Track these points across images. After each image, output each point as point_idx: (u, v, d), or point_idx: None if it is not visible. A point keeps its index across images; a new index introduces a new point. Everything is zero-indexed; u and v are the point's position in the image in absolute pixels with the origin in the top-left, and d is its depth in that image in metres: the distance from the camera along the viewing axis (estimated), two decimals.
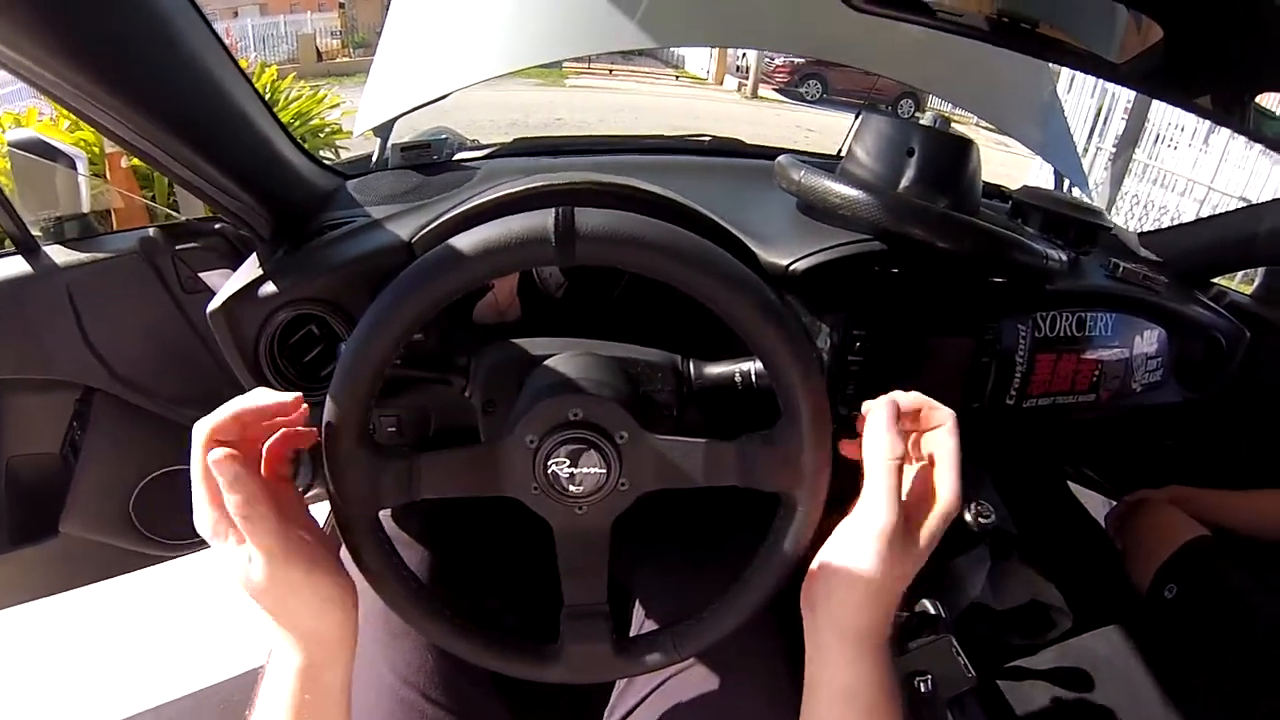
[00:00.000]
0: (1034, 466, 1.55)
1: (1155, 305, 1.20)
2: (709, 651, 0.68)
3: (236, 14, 14.29)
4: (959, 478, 0.58)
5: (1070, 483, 1.64)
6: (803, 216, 0.95)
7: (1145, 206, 7.06)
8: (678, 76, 13.33)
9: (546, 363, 0.66)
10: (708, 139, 1.29)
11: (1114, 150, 6.12)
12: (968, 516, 0.81)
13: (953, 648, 0.89)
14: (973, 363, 0.98)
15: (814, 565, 0.59)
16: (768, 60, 11.43)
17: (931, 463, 0.61)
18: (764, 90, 12.22)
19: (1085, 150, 6.60)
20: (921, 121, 0.93)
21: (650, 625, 0.84)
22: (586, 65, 11.35)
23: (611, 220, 0.53)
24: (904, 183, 0.90)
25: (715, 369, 0.68)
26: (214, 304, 0.79)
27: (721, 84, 13.06)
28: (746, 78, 12.33)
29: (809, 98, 11.65)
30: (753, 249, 0.87)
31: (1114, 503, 1.49)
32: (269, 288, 0.79)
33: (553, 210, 0.53)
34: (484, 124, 7.15)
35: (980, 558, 1.17)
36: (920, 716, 0.82)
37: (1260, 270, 1.63)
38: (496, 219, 0.54)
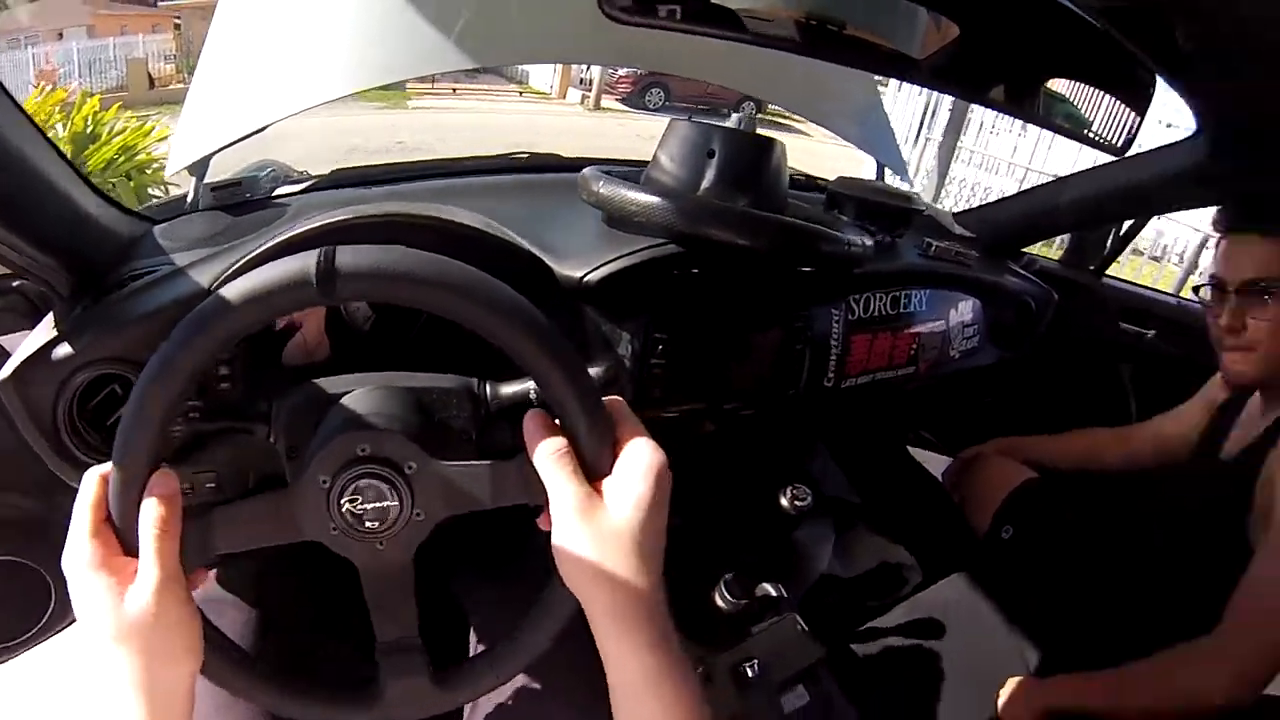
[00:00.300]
0: (870, 436, 1.64)
1: (967, 278, 1.29)
2: (547, 664, 0.68)
3: (61, 36, 12.94)
4: (651, 441, 0.59)
5: (909, 447, 1.76)
6: (606, 228, 0.96)
7: (973, 189, 7.60)
8: (521, 93, 13.26)
9: (342, 400, 0.65)
10: (525, 155, 1.31)
11: (940, 139, 6.54)
12: (784, 501, 0.85)
13: (797, 625, 0.93)
14: (784, 352, 1.02)
15: (561, 573, 0.58)
16: (610, 72, 11.57)
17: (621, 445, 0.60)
18: (608, 101, 12.34)
19: (915, 141, 7.03)
20: (726, 123, 0.97)
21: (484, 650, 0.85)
22: (430, 86, 11.09)
23: (370, 256, 0.53)
24: (705, 184, 0.92)
25: (509, 388, 0.68)
26: (3, 374, 0.73)
27: (565, 98, 13.12)
28: (590, 90, 12.44)
29: (652, 106, 11.83)
30: (549, 263, 0.88)
31: (950, 460, 1.61)
32: (64, 349, 0.73)
33: (316, 251, 0.52)
34: (321, 152, 6.89)
35: (823, 532, 1.23)
36: (751, 701, 0.85)
37: (1067, 237, 1.80)
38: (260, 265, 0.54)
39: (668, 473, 0.58)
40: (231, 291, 0.52)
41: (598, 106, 12.19)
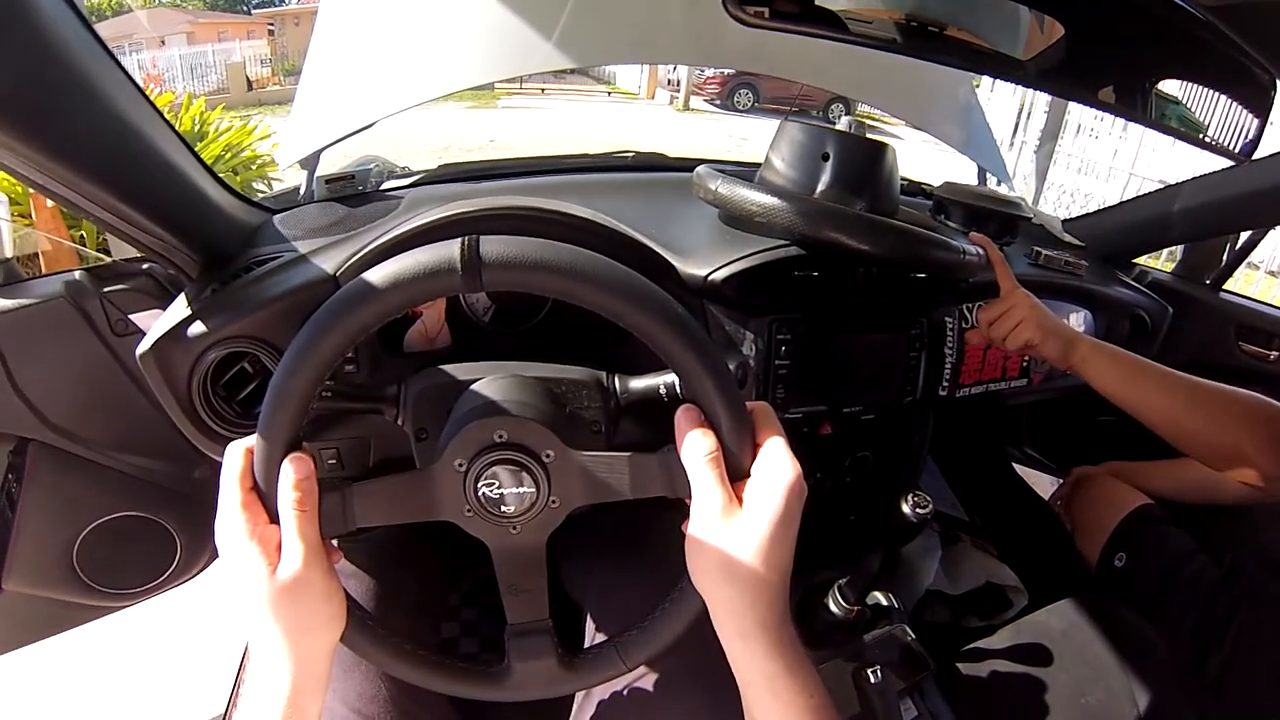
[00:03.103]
0: (979, 452, 1.59)
1: (1079, 288, 1.24)
2: (664, 660, 0.69)
3: (163, 43, 13.87)
4: (789, 452, 0.59)
5: (1016, 464, 1.69)
6: (724, 226, 0.97)
7: (1072, 195, 7.37)
8: (610, 93, 13.41)
9: (472, 387, 0.67)
10: (630, 155, 1.31)
11: (1038, 143, 6.34)
12: (905, 508, 0.83)
13: (907, 637, 0.91)
14: (902, 357, 1.01)
15: (690, 569, 0.60)
16: (698, 73, 11.58)
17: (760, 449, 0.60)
18: (696, 102, 12.34)
19: (1011, 144, 6.83)
20: (837, 127, 0.96)
21: (602, 639, 0.85)
22: (518, 86, 11.34)
23: (515, 246, 0.54)
24: (820, 187, 0.92)
25: (640, 383, 0.69)
26: (143, 346, 0.78)
27: (653, 98, 13.18)
28: (678, 91, 12.46)
29: (741, 107, 11.80)
30: (672, 262, 0.89)
31: (1060, 481, 1.54)
32: (198, 327, 0.78)
33: (459, 240, 0.54)
34: (417, 149, 7.12)
35: (932, 546, 1.20)
36: (872, 707, 0.84)
37: (1180, 248, 1.71)
38: (410, 250, 0.55)
39: (803, 486, 0.58)
40: (376, 276, 0.54)
41: (686, 107, 12.22)
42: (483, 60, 1.18)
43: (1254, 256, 6.09)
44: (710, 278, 0.87)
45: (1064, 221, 1.53)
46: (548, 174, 1.18)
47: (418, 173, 1.17)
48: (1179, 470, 1.41)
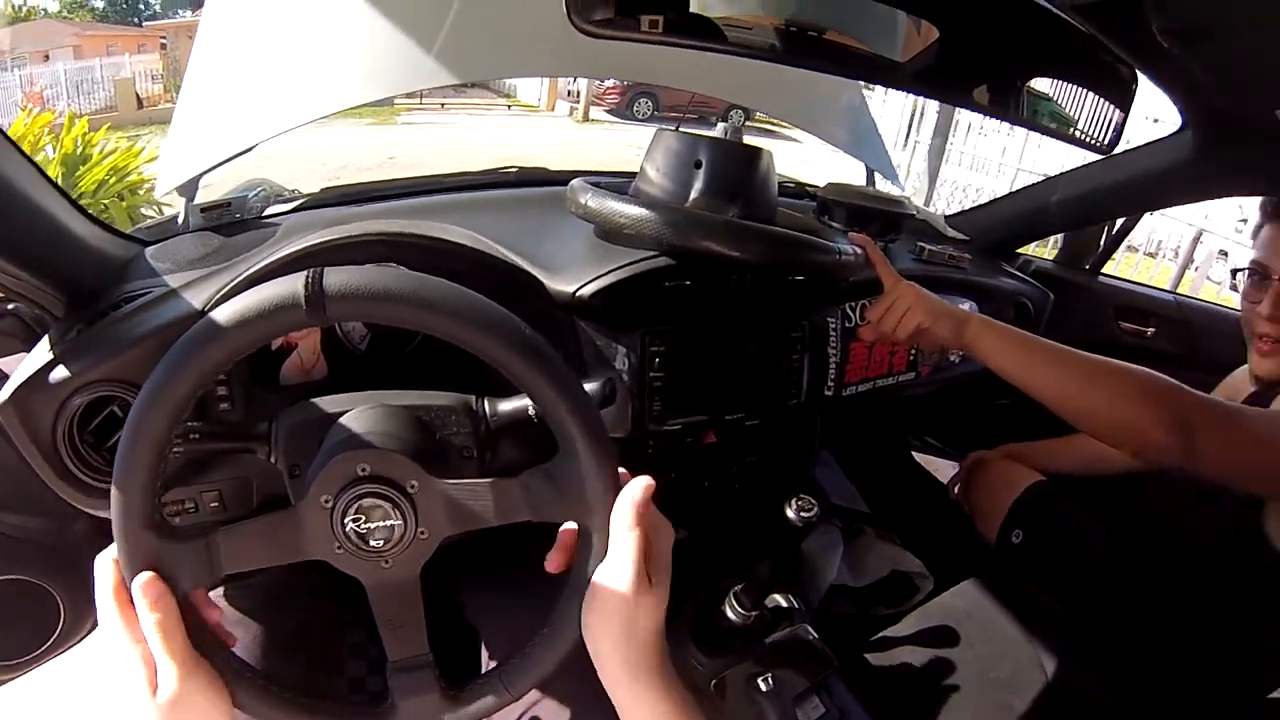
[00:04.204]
0: (878, 444, 1.63)
1: (963, 280, 1.28)
2: (558, 683, 0.69)
3: (48, 58, 12.87)
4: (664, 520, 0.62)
5: (916, 453, 1.75)
6: (598, 240, 0.96)
7: (964, 190, 7.60)
8: (510, 106, 13.30)
9: (340, 420, 0.65)
10: (514, 170, 1.30)
11: (930, 142, 6.57)
12: (790, 512, 0.84)
13: (809, 635, 0.92)
14: (783, 361, 1.01)
15: (586, 624, 0.61)
16: (597, 84, 11.59)
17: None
18: (597, 112, 12.35)
19: (905, 145, 7.07)
20: (712, 133, 0.97)
21: (494, 665, 0.84)
22: (418, 101, 11.13)
23: (359, 277, 0.53)
24: (692, 195, 0.92)
25: (508, 405, 0.68)
26: (1, 396, 0.73)
27: (554, 110, 13.12)
28: (578, 102, 12.48)
29: (641, 116, 11.82)
30: (541, 279, 0.88)
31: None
32: (60, 371, 0.74)
33: (304, 273, 0.53)
34: (314, 169, 6.93)
35: (833, 542, 1.22)
36: (764, 715, 0.85)
37: (1060, 236, 1.80)
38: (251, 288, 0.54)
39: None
40: (222, 315, 0.53)
41: (586, 118, 12.21)
42: (364, 79, 1.15)
43: (1133, 240, 6.48)
44: (578, 293, 0.87)
45: (948, 217, 1.59)
46: (431, 194, 1.16)
47: (301, 197, 1.13)
48: (1070, 447, 1.48)
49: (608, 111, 12.37)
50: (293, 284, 0.53)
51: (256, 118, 1.06)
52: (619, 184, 1.01)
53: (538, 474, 0.61)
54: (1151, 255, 6.84)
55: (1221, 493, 1.13)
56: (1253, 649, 1.07)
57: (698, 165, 0.93)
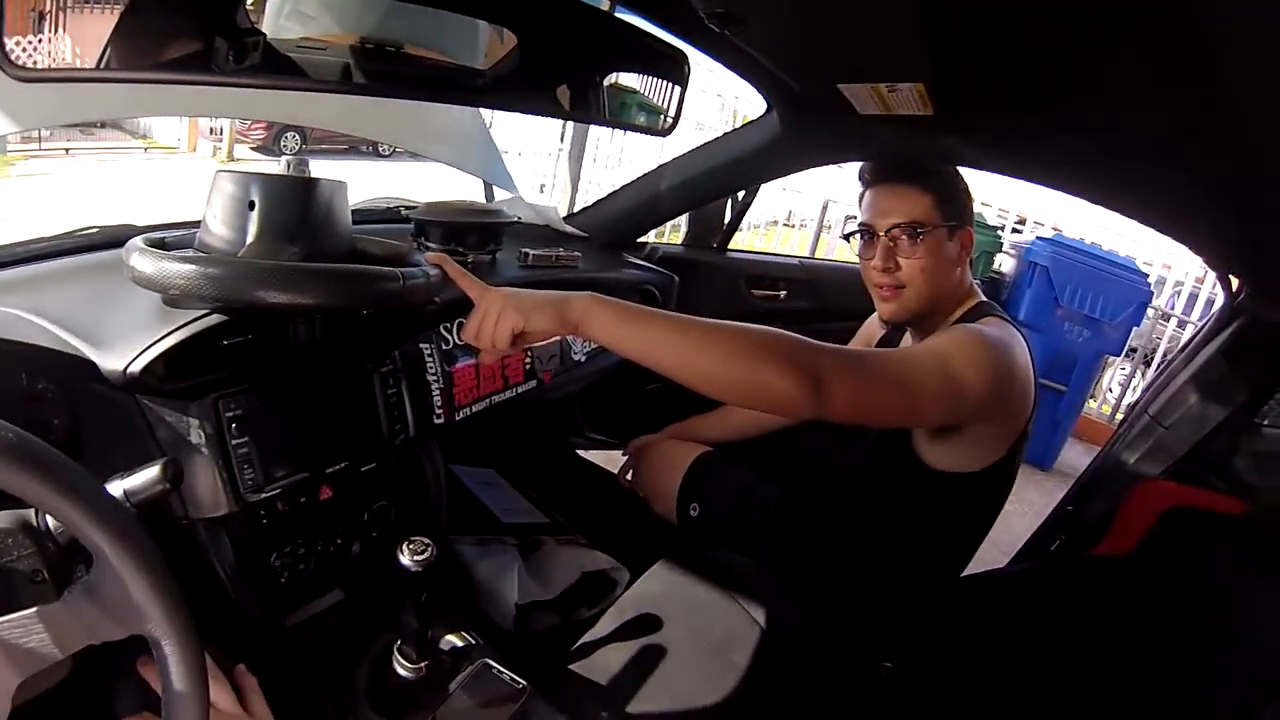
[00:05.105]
0: (539, 451, 1.63)
1: (575, 279, 1.31)
2: None
3: None
4: None
5: (583, 451, 1.79)
6: (165, 306, 0.86)
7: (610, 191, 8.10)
8: (146, 149, 11.94)
9: None
10: (95, 230, 1.12)
11: (570, 148, 6.86)
12: (404, 559, 0.79)
13: (490, 669, 0.87)
14: (379, 398, 0.97)
15: None
16: (240, 122, 10.85)
17: None
18: (242, 150, 11.55)
19: (558, 154, 7.33)
20: (272, 169, 0.88)
21: None
22: (37, 147, 9.50)
23: None
24: (248, 241, 0.84)
25: None
26: None
27: (195, 150, 12.02)
28: (221, 141, 11.60)
29: (289, 151, 11.27)
30: (93, 358, 0.78)
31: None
32: None
33: None
34: None
35: (507, 562, 1.18)
36: None
37: (684, 221, 1.93)
38: None
39: None
40: None
41: (231, 157, 11.27)
42: None
43: (776, 215, 7.34)
44: (129, 369, 0.77)
45: (566, 217, 1.63)
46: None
47: None
48: (727, 415, 1.57)
49: (253, 149, 11.49)
50: None
51: None
52: (184, 237, 0.91)
53: (77, 591, 0.54)
54: (790, 226, 7.77)
55: (866, 426, 1.27)
56: (927, 543, 1.21)
57: (251, 206, 0.84)
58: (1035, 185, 1.33)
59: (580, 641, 1.19)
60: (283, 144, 10.86)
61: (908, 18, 0.80)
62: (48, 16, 0.72)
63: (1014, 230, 5.50)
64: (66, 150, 10.11)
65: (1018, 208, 5.94)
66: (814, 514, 1.32)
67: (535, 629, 1.24)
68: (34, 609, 0.53)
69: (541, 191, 5.09)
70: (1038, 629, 1.39)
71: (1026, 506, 2.56)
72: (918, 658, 1.29)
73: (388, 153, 8.87)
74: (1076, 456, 3.94)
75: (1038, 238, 4.11)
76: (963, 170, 1.23)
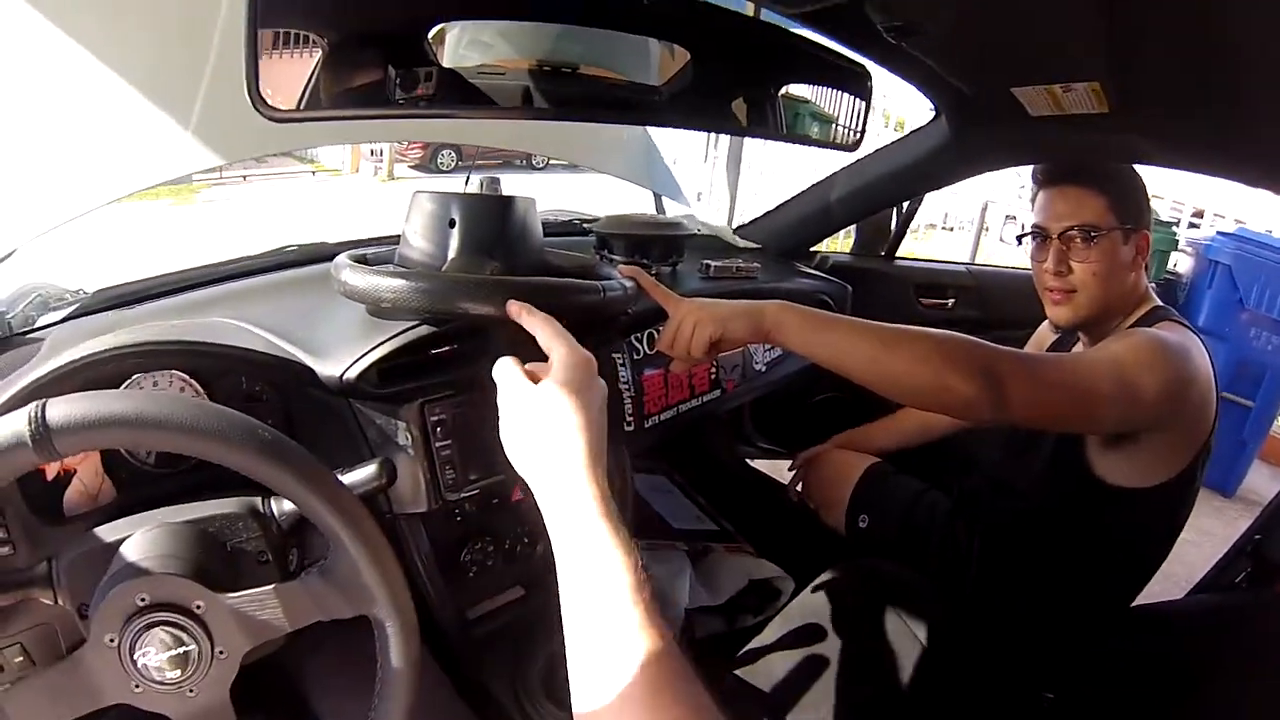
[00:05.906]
0: (711, 460, 1.65)
1: (756, 290, 1.31)
2: None
3: None
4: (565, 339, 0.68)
5: (753, 460, 1.78)
6: (370, 317, 0.93)
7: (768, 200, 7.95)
8: (314, 172, 12.90)
9: (121, 548, 0.61)
10: (293, 249, 1.25)
11: (728, 156, 6.80)
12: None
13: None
14: None
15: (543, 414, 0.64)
16: (399, 142, 11.48)
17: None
18: (401, 169, 12.15)
19: (706, 159, 7.30)
20: (464, 189, 0.95)
21: None
22: (218, 176, 10.54)
23: (83, 406, 0.51)
24: (450, 256, 0.90)
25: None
26: None
27: (358, 171, 12.78)
28: (381, 161, 12.32)
29: (445, 169, 11.73)
30: (311, 365, 0.85)
31: None
32: None
33: (29, 408, 0.50)
34: (109, 262, 6.34)
35: (679, 568, 1.21)
36: None
37: (854, 230, 1.90)
38: None
39: (589, 364, 0.66)
40: None
41: (391, 176, 11.97)
42: (121, 171, 1.05)
43: (933, 219, 7.03)
44: (346, 376, 0.84)
45: (737, 229, 1.64)
46: (207, 285, 1.08)
47: (72, 303, 1.03)
48: (894, 424, 1.54)
49: (411, 168, 12.13)
50: (16, 422, 0.49)
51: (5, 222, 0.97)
52: (385, 253, 0.98)
53: (314, 573, 0.60)
54: (950, 230, 7.42)
55: (1040, 437, 1.22)
56: (1099, 565, 1.15)
57: (451, 224, 0.90)
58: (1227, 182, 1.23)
59: (745, 648, 1.21)
60: (439, 161, 11.43)
61: (1088, 15, 0.78)
62: None
63: (1190, 225, 5.02)
64: (244, 177, 11.12)
65: (1194, 200, 5.44)
66: (983, 527, 1.27)
67: (700, 635, 1.27)
68: (270, 586, 0.59)
69: (699, 200, 5.16)
70: (1216, 669, 1.27)
71: (1205, 536, 2.31)
72: (1081, 690, 1.21)
73: (541, 165, 9.15)
74: (1263, 481, 3.41)
75: (1218, 232, 3.62)
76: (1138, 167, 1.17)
